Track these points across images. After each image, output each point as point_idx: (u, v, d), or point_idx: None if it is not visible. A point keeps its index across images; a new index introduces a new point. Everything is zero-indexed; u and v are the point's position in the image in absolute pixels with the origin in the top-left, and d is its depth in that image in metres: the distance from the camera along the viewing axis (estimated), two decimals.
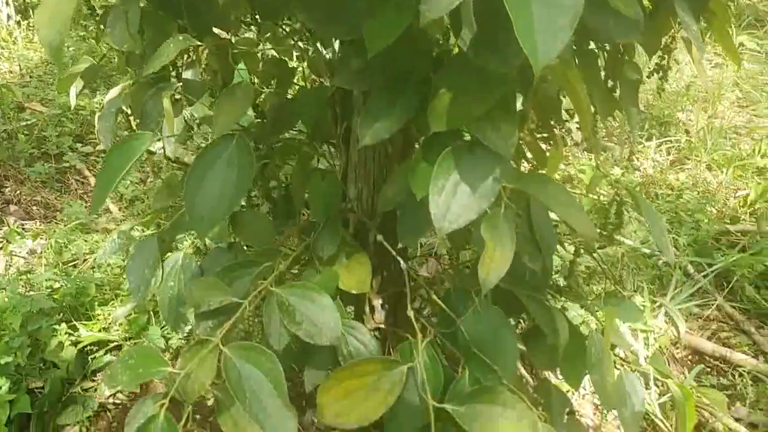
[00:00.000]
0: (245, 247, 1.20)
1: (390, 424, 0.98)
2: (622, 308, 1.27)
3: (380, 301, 1.32)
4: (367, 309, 1.31)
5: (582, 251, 1.29)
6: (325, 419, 0.94)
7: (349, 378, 0.94)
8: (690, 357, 2.12)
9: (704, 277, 2.27)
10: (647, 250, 2.27)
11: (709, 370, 2.08)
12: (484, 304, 1.02)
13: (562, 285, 1.25)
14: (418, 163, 0.85)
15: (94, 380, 2.12)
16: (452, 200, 0.78)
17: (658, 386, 1.87)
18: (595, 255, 1.42)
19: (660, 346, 2.00)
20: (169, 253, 1.21)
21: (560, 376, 1.18)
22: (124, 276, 2.34)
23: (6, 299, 1.88)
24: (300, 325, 0.93)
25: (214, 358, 0.93)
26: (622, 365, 1.16)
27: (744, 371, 2.01)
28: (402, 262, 1.03)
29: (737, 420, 1.88)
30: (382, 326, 1.32)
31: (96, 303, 2.08)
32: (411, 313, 0.98)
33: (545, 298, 1.05)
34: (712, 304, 2.24)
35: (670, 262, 2.14)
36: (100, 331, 2.04)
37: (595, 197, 2.39)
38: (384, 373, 0.95)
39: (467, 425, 0.93)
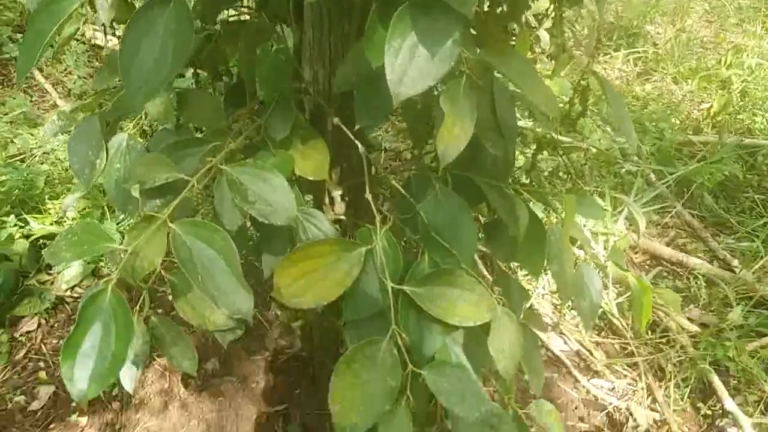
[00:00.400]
0: (195, 129, 1.13)
1: (348, 306, 0.97)
2: (584, 204, 1.26)
3: (340, 192, 1.28)
4: (327, 201, 1.28)
5: (545, 149, 1.26)
6: (282, 299, 0.92)
7: (306, 259, 0.91)
8: (648, 261, 2.17)
9: (665, 185, 2.28)
10: (612, 158, 2.27)
11: (666, 274, 2.14)
12: (443, 190, 0.99)
13: (523, 181, 1.22)
14: (373, 29, 0.78)
15: (50, 274, 2.08)
16: (409, 65, 0.72)
17: (615, 288, 1.93)
18: (558, 154, 1.40)
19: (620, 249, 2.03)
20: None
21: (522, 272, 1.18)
22: None
23: None
24: (253, 205, 0.89)
25: (162, 235, 0.88)
26: (582, 259, 1.15)
27: (699, 274, 2.07)
28: (360, 146, 0.98)
29: (690, 320, 1.95)
30: (343, 218, 1.30)
31: (46, 197, 2.00)
32: (369, 197, 0.94)
33: (506, 187, 1.02)
34: (672, 212, 2.28)
35: (632, 148, 2.14)
36: (51, 224, 1.97)
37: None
38: (342, 255, 0.92)
39: (425, 306, 0.92)
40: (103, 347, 0.84)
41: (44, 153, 2.29)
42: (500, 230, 1.19)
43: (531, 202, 1.16)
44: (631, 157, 2.33)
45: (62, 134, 1.21)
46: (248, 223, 1.06)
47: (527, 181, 1.30)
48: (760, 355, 1.73)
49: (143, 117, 1.22)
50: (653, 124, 2.56)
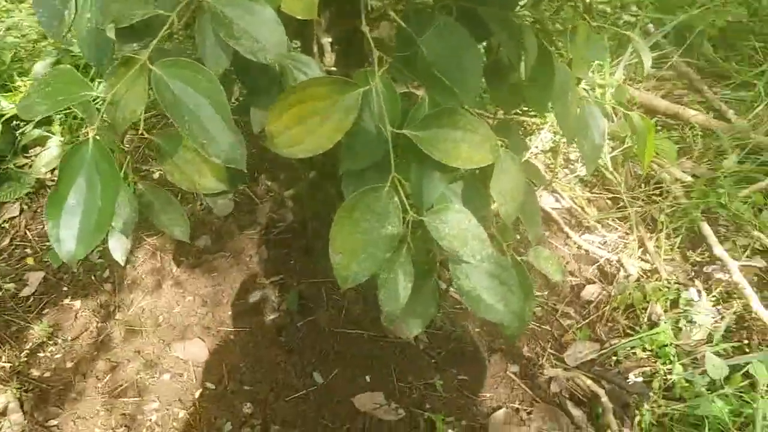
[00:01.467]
0: None
1: (347, 155, 0.92)
2: (590, 43, 1.19)
3: (329, 40, 1.19)
4: (316, 49, 1.19)
5: None
6: (276, 148, 0.86)
7: (299, 103, 0.85)
8: (645, 115, 2.12)
9: (663, 36, 2.19)
10: (609, 9, 2.15)
11: (661, 127, 2.10)
12: (447, 22, 0.91)
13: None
14: None
15: (27, 156, 2.01)
16: None
17: (609, 142, 1.89)
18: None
19: (617, 102, 1.98)
20: None
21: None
22: (43, 43, 2.10)
23: None
24: (239, 40, 0.81)
25: (143, 80, 0.81)
26: (585, 100, 1.10)
27: (693, 125, 2.04)
28: None
29: (684, 172, 1.94)
30: (334, 69, 1.22)
31: (15, 73, 1.87)
32: (366, 29, 0.86)
33: (513, 17, 0.95)
34: (668, 63, 2.20)
35: None
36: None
37: None
38: (338, 98, 0.86)
39: (427, 149, 0.88)
40: (89, 203, 0.80)
41: (8, 27, 2.12)
42: (502, 73, 1.13)
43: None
44: (630, 7, 2.21)
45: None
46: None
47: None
48: (752, 201, 1.74)
49: None
50: None
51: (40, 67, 1.52)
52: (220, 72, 0.87)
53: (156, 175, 1.97)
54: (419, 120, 0.88)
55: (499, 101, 1.20)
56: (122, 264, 1.18)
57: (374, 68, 0.89)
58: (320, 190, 1.55)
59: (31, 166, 1.97)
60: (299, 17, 0.97)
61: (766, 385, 1.37)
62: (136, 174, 0.96)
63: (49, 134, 1.94)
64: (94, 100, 0.84)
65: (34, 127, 1.91)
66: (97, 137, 0.79)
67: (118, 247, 1.18)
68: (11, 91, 1.88)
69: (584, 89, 1.77)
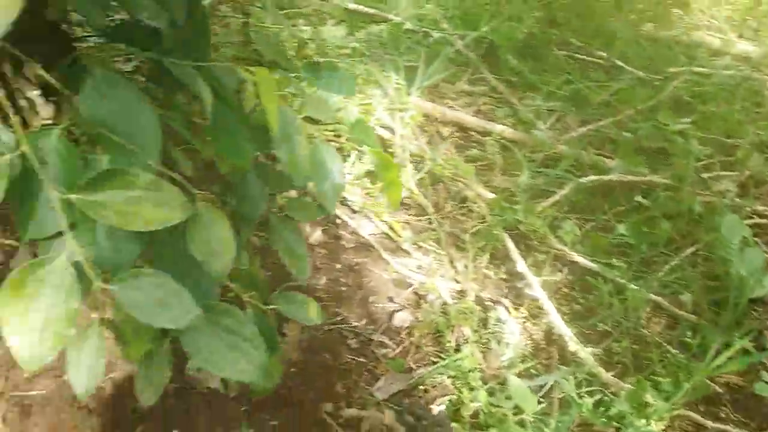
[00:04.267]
0: None
1: (25, 223, 0.84)
2: (331, 79, 1.17)
3: (37, 91, 1.10)
4: (24, 103, 1.10)
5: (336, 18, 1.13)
6: None
7: None
8: (457, 133, 2.16)
9: (469, 49, 2.23)
10: (415, 27, 2.17)
11: (474, 144, 2.14)
12: (106, 77, 0.85)
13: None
14: None
15: None
16: None
17: (413, 164, 1.89)
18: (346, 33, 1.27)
19: (426, 122, 1.99)
20: None
21: None
22: None
23: None
24: None
25: None
26: (315, 137, 1.07)
27: (495, 141, 2.08)
28: None
29: (489, 187, 1.97)
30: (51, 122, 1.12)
31: None
32: None
33: (198, 64, 0.89)
34: (480, 79, 2.25)
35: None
36: None
37: None
38: None
39: (99, 215, 0.81)
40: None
41: None
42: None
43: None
44: (440, 24, 2.24)
45: None
46: None
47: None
48: (547, 214, 1.79)
49: None
50: None
51: None
52: None
53: None
54: (85, 183, 0.81)
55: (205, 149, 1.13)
56: None
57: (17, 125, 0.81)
58: None
59: None
60: None
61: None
62: None
63: None
64: None
65: None
66: None
67: None
68: None
69: (370, 115, 1.75)
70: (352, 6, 2.01)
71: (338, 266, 1.89)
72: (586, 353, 1.59)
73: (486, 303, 1.71)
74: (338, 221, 1.96)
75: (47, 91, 1.10)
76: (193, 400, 1.52)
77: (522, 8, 2.31)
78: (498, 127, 2.09)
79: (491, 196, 1.86)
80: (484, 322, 1.67)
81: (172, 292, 0.86)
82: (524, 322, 1.70)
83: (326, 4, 1.99)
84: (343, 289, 1.83)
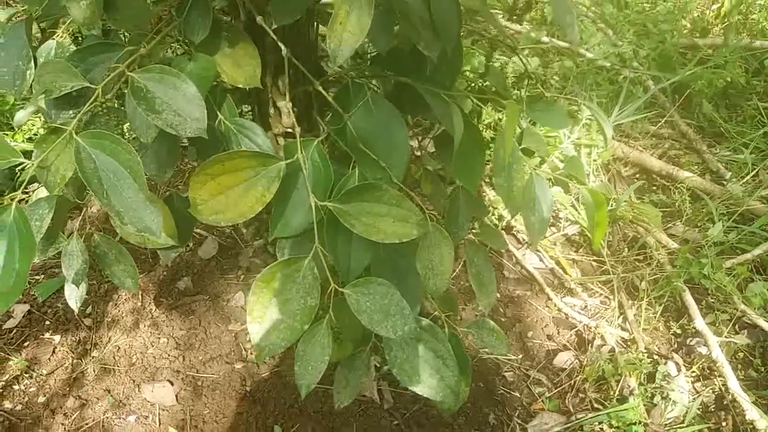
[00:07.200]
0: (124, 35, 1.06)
1: (275, 224, 0.94)
2: (547, 112, 1.18)
3: (287, 103, 1.21)
4: (272, 111, 1.22)
5: (530, 51, 1.16)
6: (200, 215, 0.88)
7: (223, 173, 0.87)
8: (638, 175, 2.08)
9: (662, 92, 2.15)
10: (607, 63, 2.13)
11: (655, 187, 2.05)
12: (375, 98, 0.92)
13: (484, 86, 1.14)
14: None
15: (26, 193, 2.08)
16: None
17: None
18: (539, 65, 1.30)
19: (604, 162, 1.95)
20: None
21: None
22: None
23: None
24: (160, 115, 0.83)
25: (71, 148, 0.84)
26: (534, 170, 1.09)
27: (684, 188, 1.99)
28: (283, 48, 0.90)
29: (672, 236, 1.89)
30: (291, 130, 1.24)
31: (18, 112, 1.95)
32: (287, 106, 0.88)
33: (446, 93, 0.95)
34: (668, 122, 2.16)
35: (572, 44, 1.98)
36: (23, 141, 1.94)
37: None
38: (260, 170, 0.87)
39: (348, 223, 0.88)
40: (8, 266, 0.82)
41: None
42: (448, 143, 1.13)
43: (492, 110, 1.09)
44: (630, 62, 2.18)
45: None
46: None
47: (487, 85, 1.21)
48: (736, 272, 1.68)
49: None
50: (656, 26, 2.37)
51: (21, 115, 1.58)
52: (150, 140, 0.90)
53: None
54: (343, 193, 0.89)
55: (446, 168, 1.19)
56: (76, 310, 1.21)
57: (297, 140, 0.90)
58: None
59: (27, 201, 2.03)
60: (241, 86, 1.01)
61: None
62: (92, 226, 0.99)
63: None
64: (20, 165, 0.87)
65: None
66: (19, 204, 0.82)
67: (71, 294, 1.21)
68: (14, 131, 1.97)
69: (542, 157, 1.74)
70: (545, 39, 2.02)
71: (498, 295, 1.89)
72: (765, 424, 1.47)
73: (654, 356, 1.63)
74: (502, 250, 1.96)
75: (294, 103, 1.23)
76: (350, 406, 1.59)
77: (725, 56, 2.19)
78: (684, 174, 2.00)
79: (674, 245, 1.78)
80: (650, 376, 1.60)
81: (396, 303, 0.91)
82: (694, 381, 1.61)
83: (520, 36, 2.01)
84: (502, 319, 1.83)
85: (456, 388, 1.04)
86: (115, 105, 0.95)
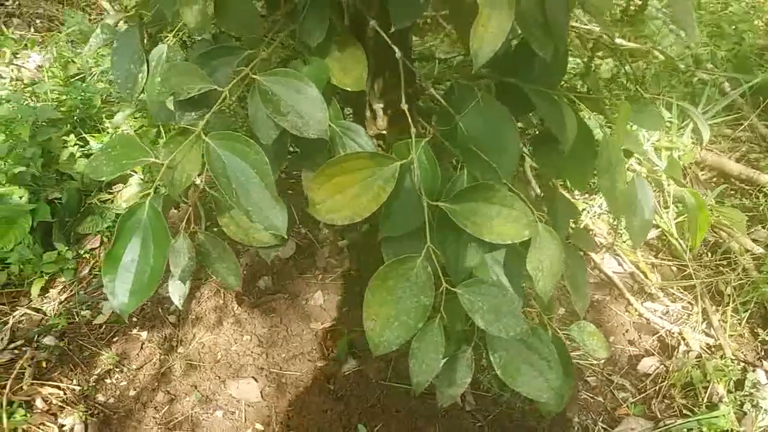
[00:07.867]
0: (234, 39, 1.10)
1: (385, 223, 0.95)
2: (642, 113, 1.17)
3: (382, 105, 1.24)
4: (368, 113, 1.25)
5: (600, 52, 1.16)
6: (318, 214, 0.91)
7: (340, 174, 0.89)
8: (715, 179, 2.04)
9: (740, 95, 2.10)
10: (682, 65, 2.09)
11: (733, 191, 2.01)
12: (486, 99, 0.94)
13: (579, 88, 1.14)
14: None
15: (110, 192, 2.17)
16: None
17: (676, 206, 1.82)
18: (618, 59, 1.29)
19: (684, 166, 1.91)
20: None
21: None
22: None
23: (13, 110, 1.85)
24: (285, 117, 0.87)
25: (198, 148, 0.88)
26: (635, 173, 1.08)
27: (766, 191, 1.93)
28: (398, 51, 0.93)
29: (755, 241, 1.84)
30: (385, 132, 1.26)
31: (104, 116, 2.05)
32: (405, 107, 0.90)
33: (555, 94, 0.96)
34: (745, 124, 2.10)
35: (692, 41, 1.94)
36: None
37: None
38: (376, 170, 0.90)
39: (461, 223, 0.89)
40: (143, 261, 0.87)
41: (102, 72, 2.33)
42: (549, 143, 1.13)
43: (585, 111, 1.09)
44: (705, 64, 2.14)
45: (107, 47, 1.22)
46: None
47: (584, 89, 1.21)
48: None
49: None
50: (733, 27, 2.31)
51: (119, 117, 1.66)
52: (270, 142, 0.93)
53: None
54: (455, 193, 0.90)
55: (545, 169, 1.20)
56: (180, 307, 1.25)
57: (412, 141, 0.92)
58: (373, 242, 1.58)
59: (112, 201, 2.12)
60: (349, 89, 1.03)
61: None
62: (197, 225, 1.03)
63: (131, 173, 2.10)
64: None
65: None
66: (152, 202, 0.86)
67: (175, 291, 1.25)
68: (100, 132, 2.05)
69: (638, 158, 1.72)
70: (618, 41, 2.01)
71: (561, 311, 1.87)
72: None
73: (744, 362, 1.59)
74: (580, 253, 1.94)
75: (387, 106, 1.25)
76: (432, 406, 1.60)
77: None
78: (765, 178, 1.95)
79: (760, 250, 1.73)
80: (739, 383, 1.57)
81: (507, 303, 0.92)
82: None
83: (591, 36, 2.00)
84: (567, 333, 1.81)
85: (560, 390, 1.03)
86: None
